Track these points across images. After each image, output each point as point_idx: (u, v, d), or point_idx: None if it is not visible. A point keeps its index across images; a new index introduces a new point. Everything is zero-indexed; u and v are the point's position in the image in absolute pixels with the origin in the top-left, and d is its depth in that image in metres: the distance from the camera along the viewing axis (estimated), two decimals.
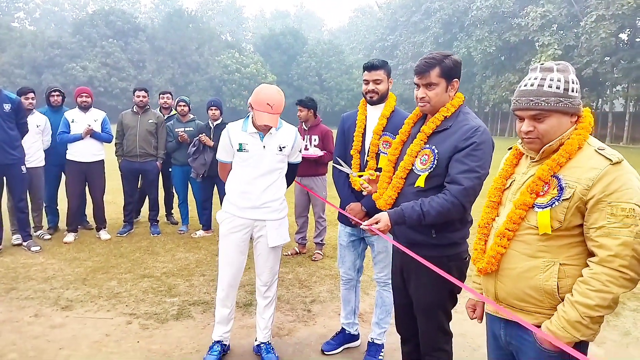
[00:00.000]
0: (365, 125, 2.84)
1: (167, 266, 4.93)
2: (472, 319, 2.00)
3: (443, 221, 2.05)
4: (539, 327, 1.60)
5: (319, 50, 54.49)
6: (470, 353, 3.23)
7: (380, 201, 2.23)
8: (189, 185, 6.31)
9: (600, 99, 39.42)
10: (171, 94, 6.66)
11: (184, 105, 6.18)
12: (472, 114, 2.15)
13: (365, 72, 2.79)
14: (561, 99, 1.54)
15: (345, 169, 2.58)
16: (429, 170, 2.08)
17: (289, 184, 3.11)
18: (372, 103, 2.82)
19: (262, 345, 3.12)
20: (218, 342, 3.08)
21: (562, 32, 36.94)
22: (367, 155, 2.78)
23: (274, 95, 2.71)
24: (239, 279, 3.09)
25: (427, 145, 2.14)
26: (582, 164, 1.52)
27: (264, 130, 2.85)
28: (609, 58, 33.45)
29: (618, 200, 1.44)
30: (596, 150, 1.53)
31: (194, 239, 6.02)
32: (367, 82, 2.80)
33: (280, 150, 2.90)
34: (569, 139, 1.57)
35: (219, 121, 5.87)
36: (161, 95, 6.64)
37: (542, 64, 1.61)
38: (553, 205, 1.52)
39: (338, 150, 3.00)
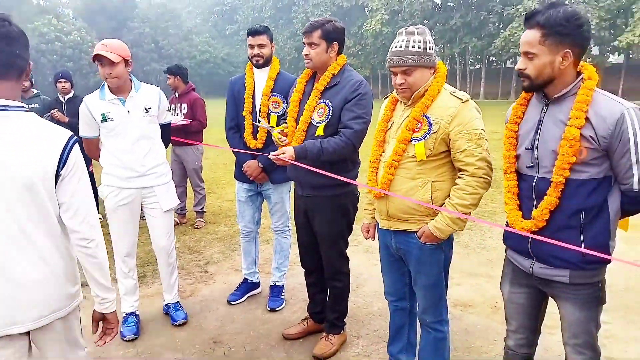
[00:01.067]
0: (254, 88, 3.07)
1: None
2: (367, 238, 2.45)
3: (337, 158, 2.43)
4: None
5: (152, 15, 50.63)
6: (353, 280, 3.82)
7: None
8: None
9: None
10: None
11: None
12: (354, 71, 2.57)
13: (250, 37, 3.00)
14: (423, 56, 2.00)
15: (264, 125, 2.76)
16: (326, 121, 2.45)
17: (165, 147, 3.10)
18: (258, 66, 3.05)
19: (170, 305, 3.25)
20: (130, 313, 3.11)
21: None
22: (259, 115, 3.03)
23: (108, 39, 2.74)
24: (135, 247, 3.12)
25: (322, 100, 2.49)
26: (442, 105, 2.02)
27: (116, 88, 2.76)
28: (427, 21, 37.82)
29: (471, 129, 1.97)
30: (450, 93, 2.04)
31: None
32: (252, 46, 3.01)
33: (147, 111, 2.85)
34: (431, 86, 2.05)
35: (70, 94, 5.42)
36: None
37: (407, 28, 2.05)
38: (425, 138, 2.01)
39: (230, 112, 3.18)
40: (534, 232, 1.71)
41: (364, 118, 2.46)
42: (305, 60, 2.51)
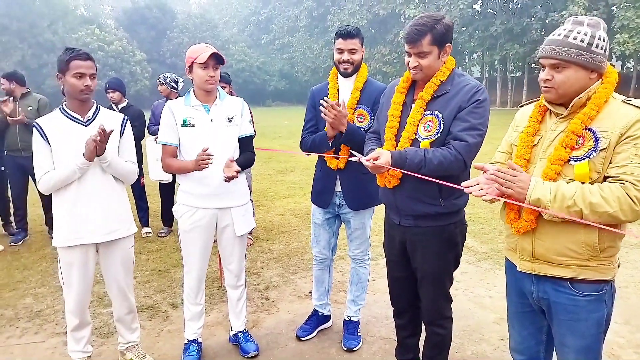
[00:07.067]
0: (338, 99, 2.68)
1: None
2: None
3: (442, 174, 1.97)
4: (576, 280, 1.66)
5: (191, 25, 51.38)
6: None
7: (387, 175, 2.13)
8: None
9: (460, 67, 43.58)
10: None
11: None
12: (467, 75, 2.14)
13: (340, 39, 2.60)
14: (582, 52, 1.57)
15: (356, 158, 2.19)
16: (436, 136, 2.02)
17: (249, 165, 2.78)
18: (346, 75, 2.66)
19: (239, 334, 2.94)
20: (193, 340, 2.83)
21: (424, 4, 39.66)
22: None
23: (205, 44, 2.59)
24: (206, 271, 2.85)
25: (429, 112, 2.07)
26: (613, 115, 1.57)
27: (204, 95, 2.60)
28: (465, 28, 36.87)
29: None
30: (624, 101, 1.60)
31: None
32: (341, 51, 2.61)
33: (230, 121, 2.65)
34: (595, 93, 1.61)
35: (124, 104, 5.20)
36: (3, 80, 4.96)
37: (576, 17, 1.64)
38: (591, 157, 1.56)
39: (309, 122, 2.81)
40: None
41: (480, 130, 2.01)
42: (414, 72, 2.08)
